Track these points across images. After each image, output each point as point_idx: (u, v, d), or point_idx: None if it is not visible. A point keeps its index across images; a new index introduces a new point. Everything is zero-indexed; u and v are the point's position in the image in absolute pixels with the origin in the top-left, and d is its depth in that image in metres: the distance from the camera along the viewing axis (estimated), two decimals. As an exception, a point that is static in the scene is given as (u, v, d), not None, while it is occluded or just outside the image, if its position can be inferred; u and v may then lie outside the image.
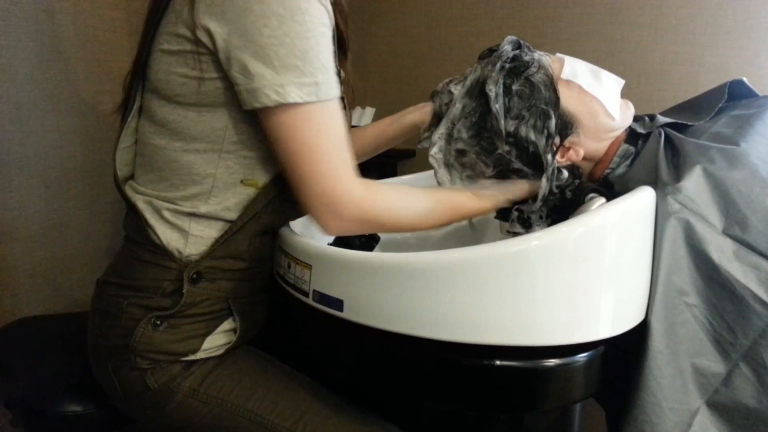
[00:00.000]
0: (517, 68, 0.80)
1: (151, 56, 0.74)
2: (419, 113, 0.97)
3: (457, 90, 0.84)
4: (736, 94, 0.88)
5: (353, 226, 0.72)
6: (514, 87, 0.80)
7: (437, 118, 0.86)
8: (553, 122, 0.79)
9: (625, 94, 0.86)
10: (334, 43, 0.71)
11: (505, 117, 0.80)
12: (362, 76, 1.75)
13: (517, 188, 0.84)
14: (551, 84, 0.80)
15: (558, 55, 0.86)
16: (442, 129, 0.84)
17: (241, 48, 0.64)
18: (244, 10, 0.63)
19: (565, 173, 0.82)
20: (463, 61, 1.58)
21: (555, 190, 0.82)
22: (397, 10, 1.66)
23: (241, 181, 0.74)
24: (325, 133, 0.67)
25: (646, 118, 0.87)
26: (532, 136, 0.79)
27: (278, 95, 0.64)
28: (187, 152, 0.72)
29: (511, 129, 0.80)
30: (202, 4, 0.65)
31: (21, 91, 1.18)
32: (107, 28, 1.32)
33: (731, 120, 0.80)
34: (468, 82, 0.83)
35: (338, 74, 0.75)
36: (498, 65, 0.81)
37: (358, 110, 1.73)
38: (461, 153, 0.84)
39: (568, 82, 0.82)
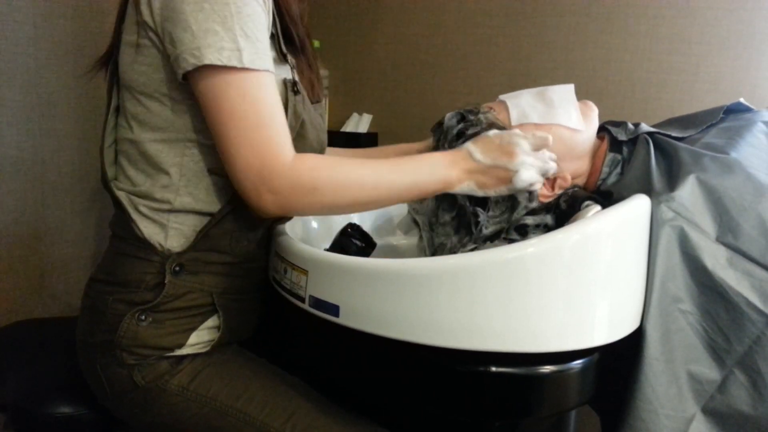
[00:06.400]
0: (470, 137, 0.80)
1: (119, 50, 0.75)
2: (421, 147, 0.97)
3: None
4: (732, 112, 0.88)
5: (290, 200, 0.66)
6: None
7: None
8: None
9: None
10: (278, 34, 0.72)
11: None
12: (360, 83, 1.76)
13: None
14: None
15: (499, 98, 0.87)
16: (422, 223, 0.91)
17: (168, 18, 0.65)
18: None
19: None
20: (461, 69, 1.59)
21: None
22: (395, 17, 1.67)
23: (209, 170, 0.74)
24: (250, 100, 0.65)
25: (629, 125, 0.87)
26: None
27: (194, 57, 0.63)
28: (155, 142, 0.73)
29: None
30: None
31: (18, 96, 1.18)
32: (105, 32, 1.32)
33: (721, 132, 0.81)
34: None
35: (285, 59, 0.75)
36: (447, 147, 0.83)
37: (355, 116, 1.74)
38: (446, 224, 0.89)
39: (520, 125, 0.82)
